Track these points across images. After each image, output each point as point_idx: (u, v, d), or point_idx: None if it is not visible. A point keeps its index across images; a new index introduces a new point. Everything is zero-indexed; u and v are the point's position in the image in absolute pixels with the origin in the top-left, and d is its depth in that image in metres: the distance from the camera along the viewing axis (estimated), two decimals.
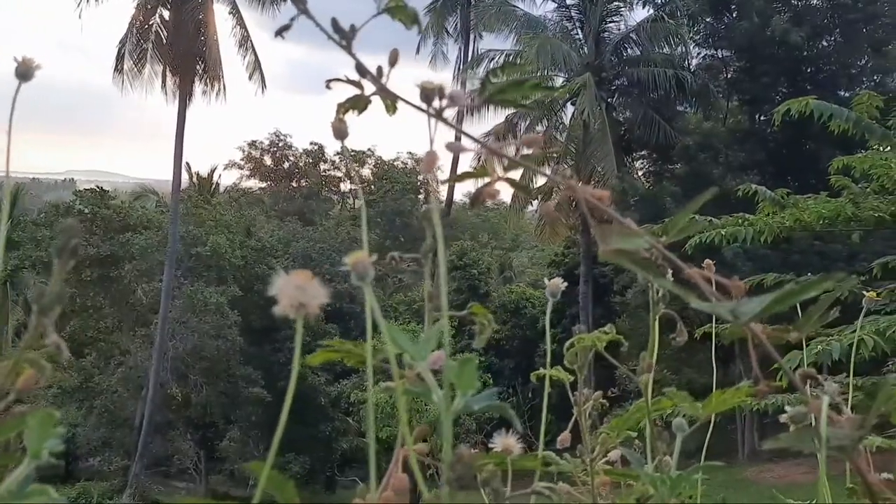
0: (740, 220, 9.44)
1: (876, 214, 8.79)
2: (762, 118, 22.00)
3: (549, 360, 0.93)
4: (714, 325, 1.28)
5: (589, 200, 0.69)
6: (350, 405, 21.03)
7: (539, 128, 26.11)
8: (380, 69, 0.67)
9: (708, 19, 23.13)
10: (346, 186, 33.42)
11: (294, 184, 34.00)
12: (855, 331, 6.76)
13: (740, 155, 21.35)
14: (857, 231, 9.96)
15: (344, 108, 0.72)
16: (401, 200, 31.07)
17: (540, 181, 26.13)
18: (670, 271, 0.72)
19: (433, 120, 0.65)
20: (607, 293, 23.35)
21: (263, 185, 35.26)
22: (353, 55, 0.65)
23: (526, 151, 0.70)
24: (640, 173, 26.57)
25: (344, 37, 0.64)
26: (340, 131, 0.75)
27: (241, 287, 22.58)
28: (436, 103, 0.65)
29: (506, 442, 0.75)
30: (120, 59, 22.84)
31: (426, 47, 27.90)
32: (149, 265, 22.92)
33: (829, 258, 17.40)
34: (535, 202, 26.21)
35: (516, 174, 0.81)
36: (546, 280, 0.93)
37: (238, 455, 21.46)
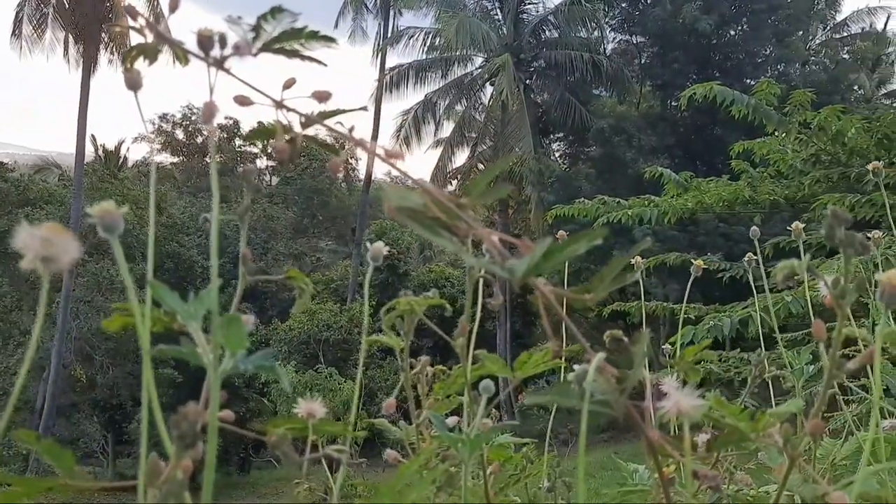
0: (646, 202, 9.70)
1: (771, 198, 9.18)
2: (673, 104, 22.67)
3: (365, 325, 0.91)
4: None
5: (383, 159, 0.68)
6: (264, 385, 20.75)
7: (458, 107, 26.18)
8: (158, 16, 0.63)
9: (623, 4, 23.60)
10: (262, 163, 32.69)
11: (207, 159, 33.04)
12: (746, 307, 7.08)
13: (652, 139, 21.97)
14: (758, 213, 10.40)
15: (131, 56, 0.68)
16: (319, 178, 30.62)
17: (458, 161, 26.20)
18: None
19: (213, 69, 0.62)
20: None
21: (175, 160, 34.12)
22: None
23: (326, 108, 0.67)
24: (556, 155, 27.02)
25: None
26: (133, 82, 0.71)
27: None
28: (216, 52, 0.62)
29: (309, 406, 0.73)
30: (18, 23, 21.57)
31: (345, 22, 27.43)
32: None
33: (732, 239, 18.13)
34: (455, 182, 26.33)
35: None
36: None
37: (147, 437, 20.86)
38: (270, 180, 32.81)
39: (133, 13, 0.62)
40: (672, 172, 10.10)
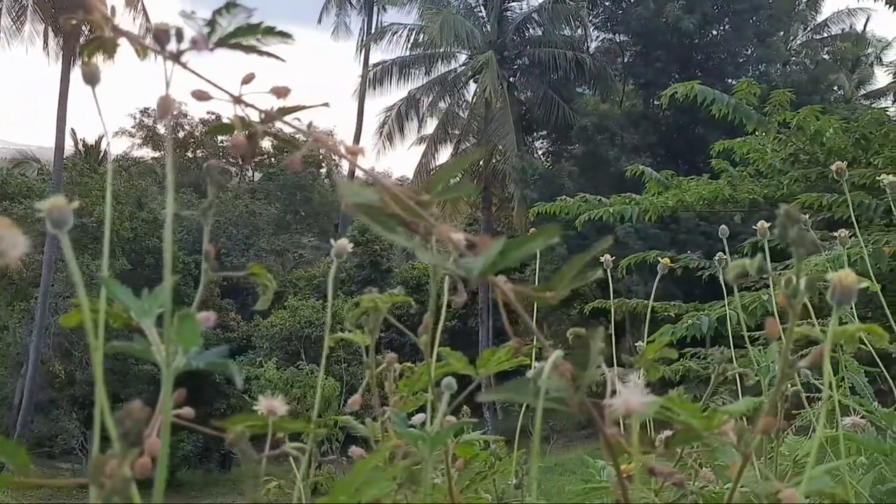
0: (627, 200, 9.74)
1: (751, 196, 9.25)
2: (655, 102, 22.78)
3: (328, 322, 0.91)
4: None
5: (347, 157, 0.67)
6: (246, 381, 20.66)
7: (442, 104, 26.16)
8: (113, 9, 0.62)
9: (606, 3, 23.68)
10: None
11: (189, 154, 32.76)
12: (724, 306, 7.15)
13: (635, 137, 22.07)
14: (738, 212, 10.49)
15: (89, 50, 0.67)
16: (302, 174, 30.49)
17: (441, 158, 26.21)
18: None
19: (169, 63, 0.62)
20: (507, 271, 23.80)
21: (156, 154, 33.87)
22: None
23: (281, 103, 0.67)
24: (540, 152, 27.10)
25: None
26: (90, 76, 0.70)
27: (131, 261, 21.69)
28: (172, 46, 0.62)
29: (269, 404, 0.73)
30: None
31: (329, 17, 27.35)
32: (28, 237, 21.65)
33: (712, 238, 18.23)
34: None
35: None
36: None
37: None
38: (253, 176, 32.64)
39: (89, 6, 0.61)
40: (653, 171, 10.15)
